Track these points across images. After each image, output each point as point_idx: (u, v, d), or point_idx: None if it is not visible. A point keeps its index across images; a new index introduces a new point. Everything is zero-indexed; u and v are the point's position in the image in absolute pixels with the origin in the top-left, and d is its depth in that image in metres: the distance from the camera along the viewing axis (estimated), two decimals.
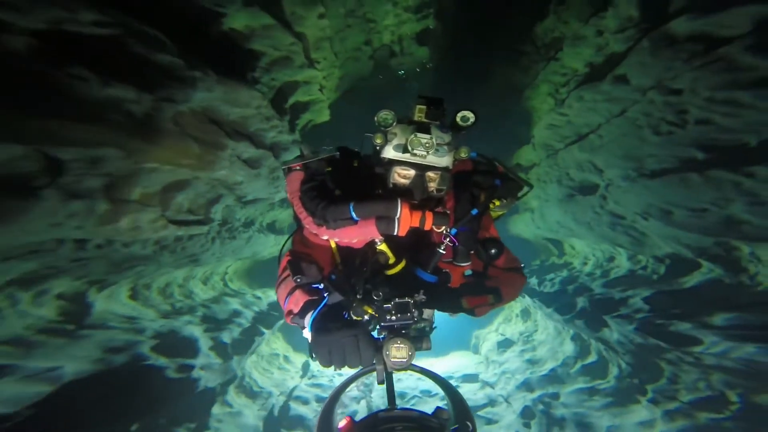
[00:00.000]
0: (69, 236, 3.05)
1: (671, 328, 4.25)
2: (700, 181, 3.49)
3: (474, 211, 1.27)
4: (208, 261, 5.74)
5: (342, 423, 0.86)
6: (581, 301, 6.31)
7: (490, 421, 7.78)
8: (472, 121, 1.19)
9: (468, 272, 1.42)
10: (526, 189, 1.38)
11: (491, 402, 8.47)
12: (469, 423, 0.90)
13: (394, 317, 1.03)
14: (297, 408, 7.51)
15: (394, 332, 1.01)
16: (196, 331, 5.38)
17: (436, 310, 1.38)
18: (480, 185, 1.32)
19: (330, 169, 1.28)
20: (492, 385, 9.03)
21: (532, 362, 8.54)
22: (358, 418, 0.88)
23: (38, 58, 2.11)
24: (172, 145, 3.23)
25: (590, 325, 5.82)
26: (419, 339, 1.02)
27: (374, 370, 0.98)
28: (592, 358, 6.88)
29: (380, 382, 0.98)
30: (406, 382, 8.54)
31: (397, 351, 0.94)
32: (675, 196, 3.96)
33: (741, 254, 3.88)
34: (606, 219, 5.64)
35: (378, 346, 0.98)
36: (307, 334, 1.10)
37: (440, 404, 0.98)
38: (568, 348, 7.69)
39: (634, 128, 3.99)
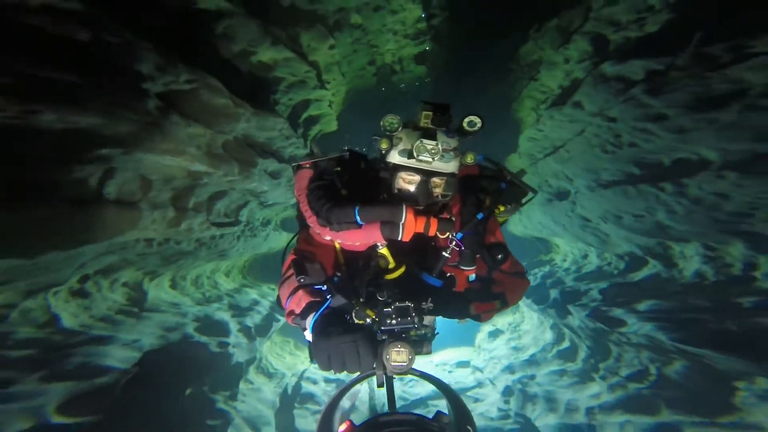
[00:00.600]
0: (145, 236, 4.01)
1: (609, 314, 5.26)
2: (635, 192, 4.46)
3: (479, 216, 1.29)
4: (232, 255, 6.72)
5: (342, 427, 0.85)
6: (553, 293, 7.31)
7: (476, 400, 8.84)
8: (479, 126, 1.18)
9: (472, 277, 1.42)
10: (530, 195, 1.40)
11: (479, 384, 9.54)
12: (470, 427, 0.88)
13: (394, 321, 1.03)
14: (307, 387, 8.56)
15: (395, 336, 1.01)
16: (225, 316, 6.37)
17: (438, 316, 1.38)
18: (486, 190, 1.34)
19: (339, 169, 1.30)
20: (481, 370, 10.09)
21: (516, 349, 9.57)
22: (358, 422, 0.87)
23: (156, 110, 3.04)
24: (221, 165, 4.19)
25: (559, 314, 6.83)
26: (419, 343, 1.02)
27: (374, 374, 0.98)
28: (565, 344, 7.90)
29: (380, 386, 0.97)
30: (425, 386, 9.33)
31: (398, 355, 0.94)
32: (622, 204, 4.93)
33: (674, 252, 4.86)
34: (577, 221, 6.62)
35: (378, 351, 0.97)
36: (308, 334, 1.11)
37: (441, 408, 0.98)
38: (548, 336, 8.70)
39: (590, 146, 4.94)
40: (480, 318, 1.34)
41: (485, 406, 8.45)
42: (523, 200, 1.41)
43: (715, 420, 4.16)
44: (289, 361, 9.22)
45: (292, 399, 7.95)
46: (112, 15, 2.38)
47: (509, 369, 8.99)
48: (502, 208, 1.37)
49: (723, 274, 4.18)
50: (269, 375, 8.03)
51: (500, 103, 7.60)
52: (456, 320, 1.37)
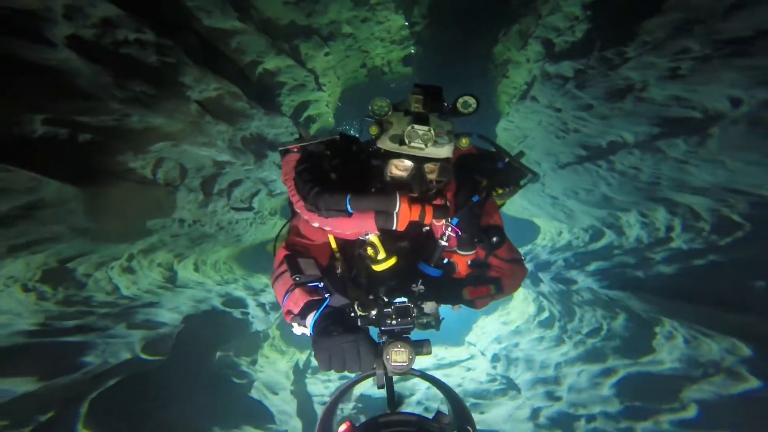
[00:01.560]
0: (180, 216, 4.97)
1: (566, 275, 6.29)
2: (582, 170, 5.44)
3: (475, 198, 1.26)
4: (246, 240, 7.69)
5: (342, 428, 0.86)
6: (530, 267, 8.33)
7: (469, 369, 9.85)
8: (474, 107, 1.15)
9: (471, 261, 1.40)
10: (529, 176, 1.37)
11: (472, 357, 10.54)
12: (470, 427, 0.87)
13: (394, 321, 1.04)
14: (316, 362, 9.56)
15: (395, 336, 1.01)
16: (242, 294, 7.36)
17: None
18: (483, 170, 1.31)
19: (329, 153, 1.26)
20: (474, 344, 11.11)
21: (505, 323, 10.60)
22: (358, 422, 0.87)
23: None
24: (240, 156, 5.15)
25: (533, 283, 7.85)
26: (420, 343, 1.00)
27: (374, 374, 0.98)
28: (545, 315, 8.91)
29: (380, 387, 0.97)
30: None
31: (398, 355, 0.94)
32: (576, 181, 5.92)
33: (622, 221, 5.86)
34: (548, 200, 7.61)
35: (378, 351, 0.97)
36: (298, 330, 1.11)
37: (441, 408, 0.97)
38: (531, 309, 9.72)
39: (547, 133, 5.92)
40: (475, 304, 1.31)
41: (476, 373, 9.45)
42: (522, 182, 1.36)
43: (638, 360, 5.19)
44: (299, 339, 10.22)
45: (303, 370, 8.95)
46: (167, 37, 3.32)
47: (497, 340, 10.02)
48: (500, 191, 1.33)
49: (653, 236, 5.18)
50: (281, 352, 9.03)
51: (480, 97, 8.56)
52: (450, 307, 1.35)
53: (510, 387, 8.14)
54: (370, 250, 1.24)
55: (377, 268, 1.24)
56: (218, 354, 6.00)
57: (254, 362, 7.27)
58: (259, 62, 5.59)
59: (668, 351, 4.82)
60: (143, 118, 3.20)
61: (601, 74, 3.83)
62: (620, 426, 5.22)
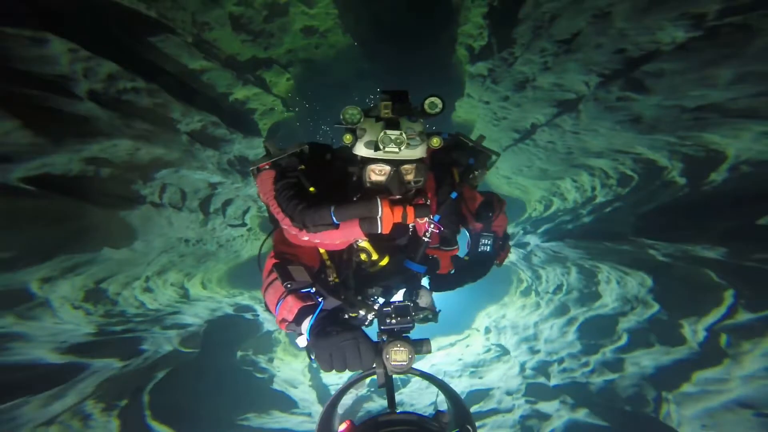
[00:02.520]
0: (186, 236, 5.86)
1: (522, 240, 7.36)
2: (518, 150, 6.54)
3: (453, 195, 1.33)
4: (244, 256, 8.57)
5: (342, 427, 0.87)
6: None
7: (468, 346, 10.77)
8: (441, 107, 1.19)
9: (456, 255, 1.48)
10: (494, 158, 1.45)
11: (469, 335, 11.48)
12: (469, 426, 0.89)
13: (394, 321, 1.06)
14: None
15: (394, 335, 1.04)
16: (249, 302, 8.21)
17: (434, 293, 1.44)
18: (458, 163, 1.39)
19: (303, 167, 1.28)
20: (477, 329, 12.10)
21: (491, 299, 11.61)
22: (358, 421, 0.89)
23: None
24: (229, 176, 6.10)
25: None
26: (419, 342, 1.01)
27: (374, 373, 1.00)
28: (524, 286, 9.95)
29: (381, 386, 0.99)
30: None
31: (397, 354, 0.96)
32: (518, 160, 7.01)
33: (561, 189, 6.96)
34: (504, 181, 8.72)
35: (378, 350, 0.99)
36: (302, 340, 1.10)
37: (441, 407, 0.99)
38: (514, 282, 10.77)
39: (486, 122, 7.03)
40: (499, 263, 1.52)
41: (474, 347, 10.40)
42: (488, 164, 1.44)
43: (591, 306, 6.25)
44: None
45: (317, 370, 9.76)
46: (153, 82, 4.22)
47: (487, 314, 11.02)
48: (471, 177, 1.41)
49: (584, 196, 6.28)
50: (294, 354, 9.85)
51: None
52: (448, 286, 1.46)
53: (503, 353, 9.11)
54: (363, 256, 1.29)
55: (373, 270, 1.30)
56: (239, 353, 6.84)
57: (271, 360, 8.11)
58: (230, 93, 6.59)
59: (609, 294, 5.86)
60: (149, 150, 4.15)
61: (504, 71, 4.94)
62: (581, 362, 6.22)
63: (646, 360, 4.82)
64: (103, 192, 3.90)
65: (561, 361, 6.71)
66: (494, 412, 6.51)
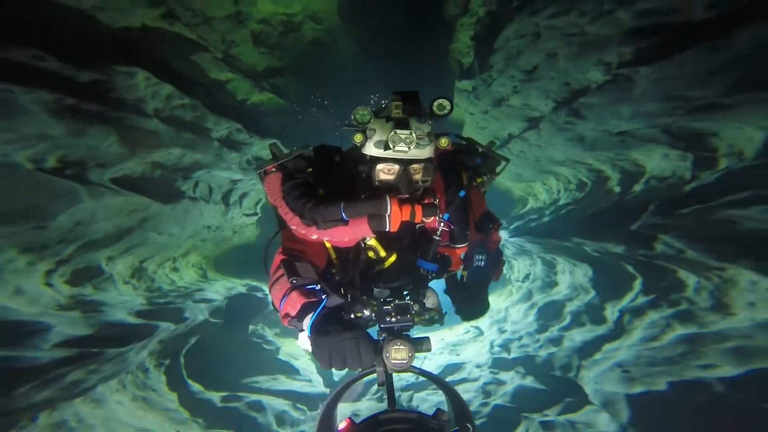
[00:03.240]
0: (209, 223, 6.86)
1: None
2: (506, 153, 7.66)
3: (461, 193, 1.38)
4: (254, 240, 9.59)
5: (342, 425, 0.88)
6: None
7: (451, 328, 12.06)
8: (449, 109, 1.22)
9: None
10: (503, 164, 1.51)
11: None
12: (469, 425, 0.90)
13: (393, 319, 1.09)
14: None
15: (394, 334, 1.05)
16: (258, 284, 9.29)
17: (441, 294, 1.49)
18: (465, 165, 1.44)
19: (311, 170, 1.34)
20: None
21: None
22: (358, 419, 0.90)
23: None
24: (247, 174, 7.09)
25: None
26: (419, 341, 1.03)
27: (374, 371, 1.02)
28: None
29: (380, 384, 1.00)
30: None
31: (397, 353, 0.97)
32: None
33: (535, 190, 8.12)
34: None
35: (378, 348, 1.01)
36: (303, 337, 1.13)
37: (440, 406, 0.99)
38: None
39: (473, 131, 8.12)
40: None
41: (456, 330, 11.70)
42: (498, 169, 1.50)
43: (549, 293, 7.49)
44: None
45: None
46: (193, 98, 5.19)
47: None
48: (479, 180, 1.45)
49: (551, 198, 7.46)
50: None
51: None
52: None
53: (479, 334, 10.41)
54: (371, 254, 1.32)
55: (380, 267, 1.33)
56: (250, 327, 7.96)
57: (277, 334, 9.25)
58: (247, 99, 7.53)
59: (563, 283, 7.10)
60: (191, 155, 5.14)
61: (485, 89, 6.00)
62: (534, 339, 7.48)
63: (578, 336, 6.07)
64: (158, 189, 4.90)
65: (520, 338, 7.99)
66: (464, 380, 7.76)
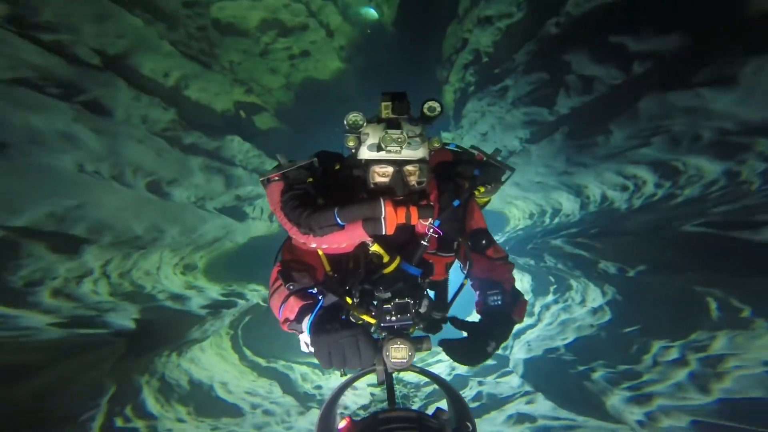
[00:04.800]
0: (256, 234, 9.60)
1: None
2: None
3: (456, 203, 1.37)
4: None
5: (342, 424, 0.91)
6: None
7: None
8: (439, 110, 1.26)
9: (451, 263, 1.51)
10: (508, 173, 1.49)
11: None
12: (469, 424, 0.93)
13: (393, 318, 1.11)
14: None
15: (394, 333, 1.07)
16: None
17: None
18: (462, 175, 1.42)
19: (311, 179, 1.36)
20: None
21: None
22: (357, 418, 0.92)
23: None
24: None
25: None
26: (419, 340, 1.04)
27: (374, 370, 1.03)
28: None
29: (380, 383, 1.03)
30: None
31: (397, 352, 0.99)
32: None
33: (513, 210, 10.15)
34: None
35: (378, 347, 1.02)
36: (304, 339, 1.16)
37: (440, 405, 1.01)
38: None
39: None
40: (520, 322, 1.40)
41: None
42: (503, 178, 1.49)
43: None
44: None
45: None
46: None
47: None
48: (482, 189, 1.45)
49: (540, 217, 9.47)
50: None
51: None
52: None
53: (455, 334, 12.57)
54: (374, 258, 1.33)
55: (386, 271, 1.33)
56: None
57: None
58: (260, 120, 10.24)
59: (526, 283, 9.09)
60: (256, 190, 7.84)
61: (459, 141, 8.22)
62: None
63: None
64: (236, 214, 7.64)
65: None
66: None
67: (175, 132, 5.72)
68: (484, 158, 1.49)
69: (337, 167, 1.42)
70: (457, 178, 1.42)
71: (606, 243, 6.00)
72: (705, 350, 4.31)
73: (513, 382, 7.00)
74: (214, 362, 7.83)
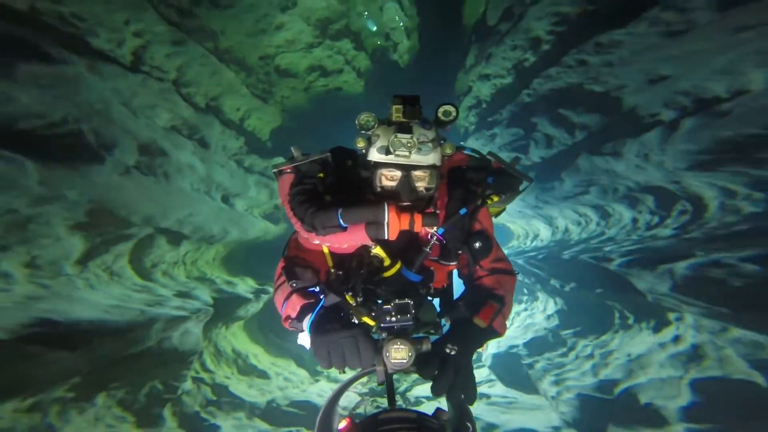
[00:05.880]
0: (280, 233, 11.42)
1: None
2: None
3: (462, 211, 1.33)
4: None
5: (342, 424, 0.91)
6: None
7: None
8: (454, 115, 1.24)
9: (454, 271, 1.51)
10: (526, 183, 1.45)
11: None
12: (469, 424, 0.94)
13: (393, 318, 1.09)
14: None
15: (394, 333, 1.07)
16: None
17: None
18: (474, 182, 1.40)
19: (322, 174, 1.36)
20: None
21: None
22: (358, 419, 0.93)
23: None
24: None
25: None
26: (419, 340, 1.05)
27: (374, 371, 1.04)
28: None
29: (380, 383, 1.04)
30: None
31: (397, 352, 1.00)
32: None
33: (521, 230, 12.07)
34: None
35: (378, 347, 1.04)
36: (304, 337, 1.21)
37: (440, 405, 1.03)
38: None
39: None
40: (495, 330, 1.28)
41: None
42: (521, 188, 1.45)
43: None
44: None
45: None
46: None
47: None
48: (496, 198, 1.39)
49: (523, 239, 11.39)
50: None
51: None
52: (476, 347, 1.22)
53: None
54: (375, 260, 1.34)
55: (386, 274, 1.35)
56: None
57: None
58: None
59: (524, 301, 11.02)
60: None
61: (481, 130, 10.08)
62: None
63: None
64: (272, 217, 9.44)
65: None
66: None
67: (241, 156, 7.54)
68: (501, 166, 1.44)
69: (349, 164, 1.42)
70: (469, 184, 1.40)
71: (552, 264, 7.99)
72: (606, 347, 6.30)
73: (483, 373, 8.88)
74: (244, 337, 9.63)
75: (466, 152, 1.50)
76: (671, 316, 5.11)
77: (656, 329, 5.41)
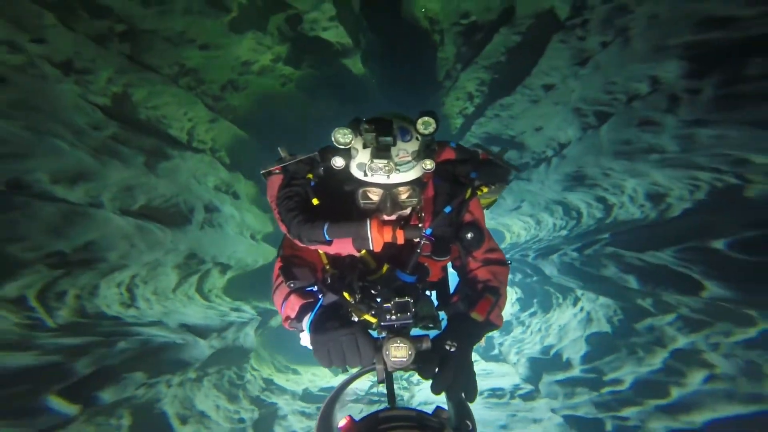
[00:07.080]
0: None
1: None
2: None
3: (447, 209, 1.38)
4: None
5: (342, 423, 0.92)
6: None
7: None
8: (434, 126, 1.20)
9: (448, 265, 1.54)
10: (514, 173, 1.49)
11: None
12: (469, 422, 0.96)
13: (393, 317, 1.13)
14: None
15: (394, 332, 1.10)
16: None
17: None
18: (461, 175, 1.44)
19: (311, 175, 1.40)
20: None
21: None
22: (358, 417, 0.95)
23: None
24: None
25: None
26: (419, 339, 1.07)
27: (374, 369, 1.07)
28: None
29: (380, 382, 1.06)
30: None
31: (397, 351, 1.02)
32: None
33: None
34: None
35: (377, 346, 1.06)
36: (305, 337, 1.24)
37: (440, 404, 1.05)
38: None
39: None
40: (493, 323, 1.34)
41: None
42: (510, 178, 1.49)
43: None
44: None
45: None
46: None
47: None
48: (485, 189, 1.45)
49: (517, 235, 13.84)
50: None
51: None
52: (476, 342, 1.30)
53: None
54: (365, 264, 1.42)
55: (372, 277, 1.41)
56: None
57: None
58: None
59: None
60: None
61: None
62: None
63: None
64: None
65: None
66: None
67: (259, 198, 9.79)
68: (489, 157, 1.47)
69: (340, 164, 1.36)
70: (456, 178, 1.44)
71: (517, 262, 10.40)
72: (548, 321, 8.65)
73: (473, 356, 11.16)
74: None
75: (451, 146, 1.52)
76: (578, 293, 7.47)
77: (574, 304, 7.78)
